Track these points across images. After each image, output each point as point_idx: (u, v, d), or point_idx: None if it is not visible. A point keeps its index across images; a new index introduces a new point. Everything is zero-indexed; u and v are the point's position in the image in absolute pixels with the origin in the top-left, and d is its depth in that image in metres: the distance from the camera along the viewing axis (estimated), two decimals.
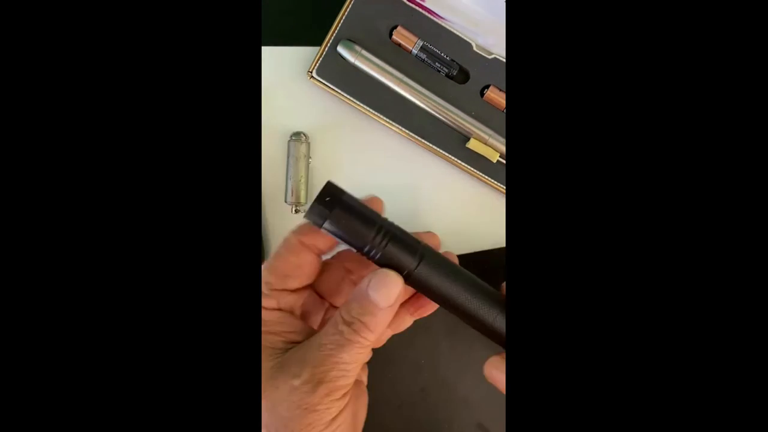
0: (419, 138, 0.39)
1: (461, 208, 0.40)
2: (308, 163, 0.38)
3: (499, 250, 0.40)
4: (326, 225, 0.25)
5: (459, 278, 0.25)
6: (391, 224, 0.26)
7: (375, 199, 0.28)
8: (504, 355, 0.26)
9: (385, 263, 0.25)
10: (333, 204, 0.24)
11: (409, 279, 0.25)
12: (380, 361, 0.40)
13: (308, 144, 0.38)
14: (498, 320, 0.25)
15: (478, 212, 0.41)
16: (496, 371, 0.26)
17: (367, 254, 0.25)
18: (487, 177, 0.39)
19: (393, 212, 0.40)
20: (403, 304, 0.29)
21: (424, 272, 0.25)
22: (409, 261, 0.25)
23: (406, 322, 0.31)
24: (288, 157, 0.38)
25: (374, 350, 0.39)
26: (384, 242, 0.25)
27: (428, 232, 0.29)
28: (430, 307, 0.29)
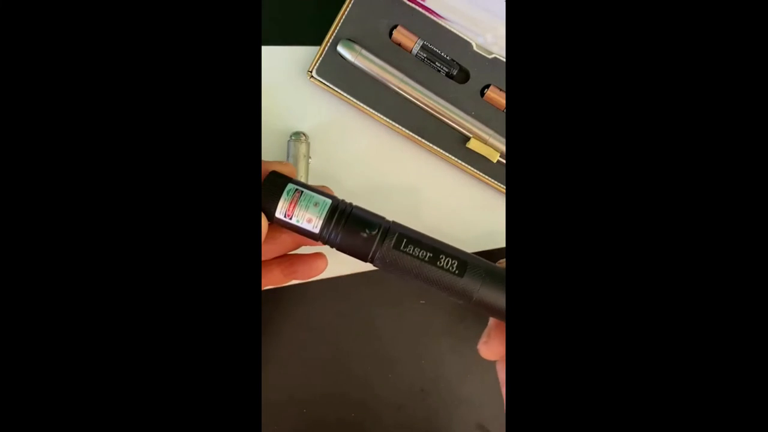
0: (419, 138, 0.39)
1: (461, 208, 0.40)
2: (308, 163, 0.38)
3: (499, 250, 0.40)
4: (277, 216, 0.23)
5: (431, 254, 0.23)
6: (348, 204, 0.24)
7: (324, 188, 0.26)
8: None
9: (346, 248, 0.23)
10: (278, 191, 0.23)
11: (374, 261, 0.23)
12: (380, 360, 0.40)
13: (308, 144, 0.38)
14: (481, 291, 0.23)
15: (478, 212, 0.40)
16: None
17: (325, 241, 0.24)
18: (487, 177, 0.39)
19: (392, 212, 0.40)
20: (276, 259, 0.28)
21: (389, 254, 0.23)
22: (370, 242, 0.23)
23: (278, 278, 0.28)
24: (288, 157, 0.38)
25: (375, 351, 0.39)
26: (340, 224, 0.23)
27: (281, 162, 0.26)
28: (306, 274, 0.28)
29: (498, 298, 0.23)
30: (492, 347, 0.24)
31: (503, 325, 0.24)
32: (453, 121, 0.38)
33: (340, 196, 0.26)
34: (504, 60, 0.39)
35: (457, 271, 0.23)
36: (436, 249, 0.23)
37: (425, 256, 0.23)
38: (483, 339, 0.25)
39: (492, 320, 0.26)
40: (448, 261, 0.23)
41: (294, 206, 0.23)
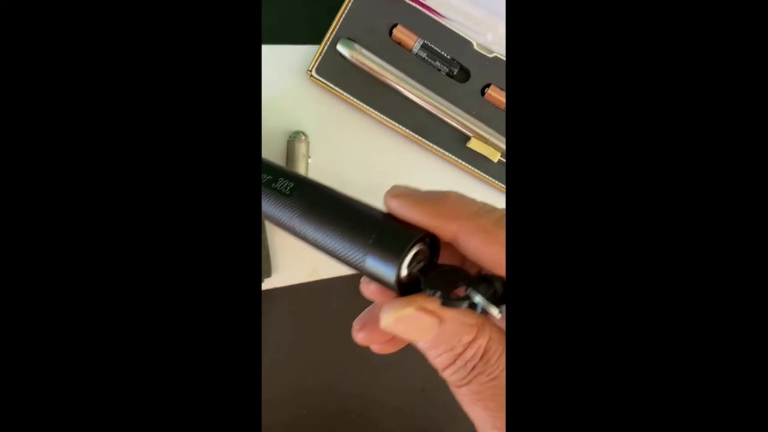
0: (419, 137, 0.38)
1: None
2: (307, 163, 0.38)
3: None
4: None
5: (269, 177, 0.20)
6: None
7: None
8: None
9: None
10: None
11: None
12: (380, 361, 0.40)
13: (307, 143, 0.38)
14: (368, 263, 0.18)
15: None
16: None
17: None
18: (488, 177, 0.39)
19: None
20: None
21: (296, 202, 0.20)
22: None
23: None
24: (287, 157, 0.38)
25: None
26: None
27: None
28: None
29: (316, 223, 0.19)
30: (366, 337, 0.22)
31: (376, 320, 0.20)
32: (453, 121, 0.38)
33: None
34: (505, 59, 0.39)
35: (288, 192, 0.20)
36: (274, 170, 0.20)
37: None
38: (356, 327, 0.22)
39: (370, 311, 0.22)
40: (283, 183, 0.20)
41: None
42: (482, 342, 0.18)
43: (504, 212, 0.19)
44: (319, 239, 0.20)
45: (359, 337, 0.22)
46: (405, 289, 0.18)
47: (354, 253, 0.19)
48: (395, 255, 0.18)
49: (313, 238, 0.20)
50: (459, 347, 0.18)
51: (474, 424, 0.18)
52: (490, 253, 0.18)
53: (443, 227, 0.18)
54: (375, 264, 0.18)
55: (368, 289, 0.20)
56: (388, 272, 0.18)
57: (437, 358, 0.18)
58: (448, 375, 0.18)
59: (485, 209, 0.18)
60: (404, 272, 0.18)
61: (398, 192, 0.19)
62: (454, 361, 0.18)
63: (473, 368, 0.18)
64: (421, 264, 0.19)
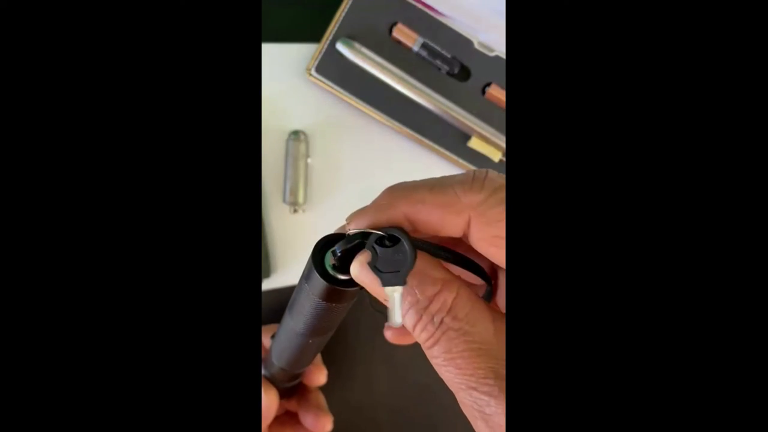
0: (420, 136, 0.38)
1: None
2: (307, 163, 0.38)
3: None
4: None
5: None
6: None
7: None
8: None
9: None
10: None
11: None
12: (382, 360, 0.40)
13: (307, 143, 0.38)
14: (312, 282, 0.21)
15: None
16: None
17: None
18: None
19: None
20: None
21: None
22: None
23: None
24: (286, 157, 0.38)
25: (378, 348, 0.39)
26: None
27: None
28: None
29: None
30: (394, 335, 0.25)
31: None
32: (454, 120, 0.38)
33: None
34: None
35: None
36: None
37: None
38: (386, 326, 0.24)
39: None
40: None
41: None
42: (448, 296, 0.18)
43: (443, 177, 0.21)
44: (295, 320, 0.25)
45: (387, 335, 0.24)
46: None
47: (306, 295, 0.22)
48: (313, 256, 0.20)
49: (299, 323, 0.25)
50: (424, 300, 0.18)
51: (451, 390, 0.18)
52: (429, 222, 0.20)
53: (392, 220, 0.20)
54: (314, 278, 0.20)
55: (389, 332, 0.24)
56: (317, 277, 0.20)
57: (405, 316, 0.19)
58: (417, 334, 0.18)
59: (428, 185, 0.22)
60: (335, 255, 0.20)
61: (352, 216, 0.21)
62: (421, 317, 0.18)
63: (441, 323, 0.18)
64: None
